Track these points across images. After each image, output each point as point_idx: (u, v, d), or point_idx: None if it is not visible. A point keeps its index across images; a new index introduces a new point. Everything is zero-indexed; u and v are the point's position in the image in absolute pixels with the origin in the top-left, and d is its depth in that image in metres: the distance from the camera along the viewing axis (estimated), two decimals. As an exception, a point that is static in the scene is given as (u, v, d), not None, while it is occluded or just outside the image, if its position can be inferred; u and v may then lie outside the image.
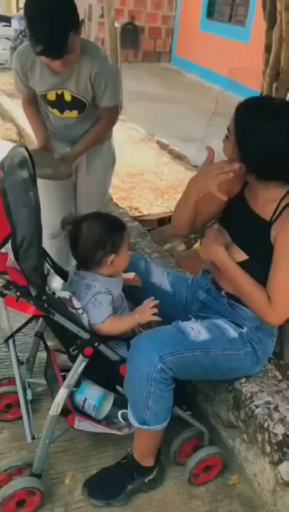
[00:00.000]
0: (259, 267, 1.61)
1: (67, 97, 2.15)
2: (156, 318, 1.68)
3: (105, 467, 1.77)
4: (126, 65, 8.35)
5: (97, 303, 1.62)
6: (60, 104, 2.18)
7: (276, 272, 1.57)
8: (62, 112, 2.21)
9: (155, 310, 1.68)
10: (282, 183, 1.59)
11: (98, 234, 1.61)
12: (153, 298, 1.70)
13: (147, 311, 1.68)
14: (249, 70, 5.25)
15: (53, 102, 2.18)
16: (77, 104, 2.17)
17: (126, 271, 1.80)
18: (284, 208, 1.59)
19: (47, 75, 2.10)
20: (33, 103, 2.30)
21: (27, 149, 1.44)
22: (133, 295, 1.79)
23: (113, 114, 2.27)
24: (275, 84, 2.58)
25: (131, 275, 1.84)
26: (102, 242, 1.61)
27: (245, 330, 1.70)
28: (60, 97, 2.15)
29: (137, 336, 1.63)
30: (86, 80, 2.10)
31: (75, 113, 2.20)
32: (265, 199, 1.64)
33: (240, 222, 1.70)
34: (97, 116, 2.25)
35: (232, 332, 1.68)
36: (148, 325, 1.88)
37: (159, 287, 1.90)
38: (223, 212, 1.83)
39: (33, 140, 4.90)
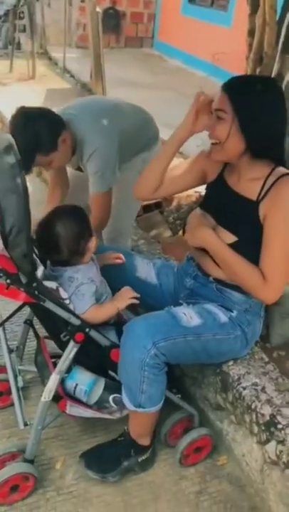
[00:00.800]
0: (249, 248, 1.61)
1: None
2: (134, 300, 1.70)
3: (102, 443, 1.80)
4: (108, 51, 8.26)
5: (80, 294, 1.63)
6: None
7: (268, 249, 1.58)
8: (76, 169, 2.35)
9: (133, 294, 1.70)
10: (269, 161, 1.61)
11: (76, 228, 1.62)
12: (127, 288, 1.72)
13: (125, 295, 1.70)
14: (232, 55, 5.23)
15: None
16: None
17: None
18: (271, 185, 1.58)
19: None
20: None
21: (12, 136, 1.42)
22: (117, 290, 1.78)
23: (100, 199, 2.20)
24: (258, 69, 2.58)
25: (110, 254, 1.86)
26: (81, 232, 1.63)
27: (234, 313, 1.72)
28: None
29: (129, 322, 1.64)
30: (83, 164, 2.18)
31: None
32: (249, 178, 1.63)
33: (225, 205, 1.69)
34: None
35: (222, 316, 1.70)
36: (135, 311, 1.90)
37: (145, 281, 1.90)
38: (204, 197, 1.83)
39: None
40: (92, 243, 1.67)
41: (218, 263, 1.69)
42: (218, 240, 1.64)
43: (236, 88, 1.55)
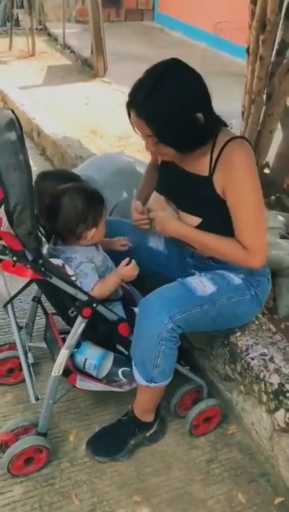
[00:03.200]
0: (216, 224, 1.60)
1: None
2: (135, 272, 1.68)
3: (106, 425, 1.83)
4: (108, 25, 8.13)
5: (83, 273, 1.63)
6: None
7: (240, 218, 1.56)
8: None
9: (134, 264, 1.68)
10: (212, 137, 1.57)
11: (81, 207, 1.60)
12: (128, 258, 1.69)
13: (127, 268, 1.67)
14: (234, 24, 5.12)
15: None
16: None
17: (112, 237, 1.81)
18: (218, 155, 1.55)
19: None
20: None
21: (13, 112, 1.41)
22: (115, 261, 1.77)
23: None
24: (261, 37, 2.52)
25: (119, 240, 1.85)
26: (84, 216, 1.61)
27: (243, 276, 1.71)
28: None
29: (144, 298, 1.64)
30: None
31: None
32: (194, 155, 1.59)
33: (180, 187, 1.67)
34: None
35: (236, 279, 1.70)
36: (141, 287, 1.90)
37: (156, 250, 1.91)
38: (158, 180, 1.81)
39: (18, 106, 4.83)
40: (93, 234, 1.63)
41: (197, 248, 1.68)
42: (188, 229, 1.63)
43: (134, 107, 1.50)
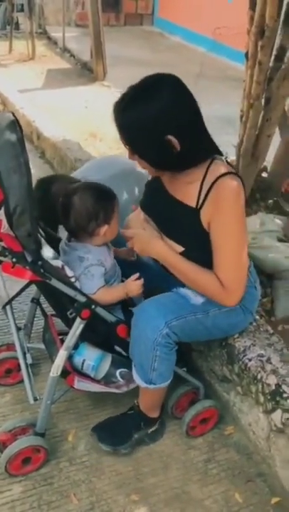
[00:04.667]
0: (197, 256, 1.58)
1: None
2: (141, 290, 1.69)
3: (113, 416, 1.85)
4: (108, 29, 8.15)
5: (90, 275, 1.65)
6: None
7: (220, 256, 1.54)
8: None
9: (141, 282, 1.69)
10: (196, 164, 1.53)
11: (91, 205, 1.61)
12: (138, 274, 1.70)
13: (135, 284, 1.69)
14: (233, 29, 5.16)
15: None
16: None
17: (119, 246, 1.82)
18: (209, 189, 1.51)
19: None
20: None
21: (13, 114, 1.43)
22: (122, 271, 1.79)
23: None
24: (260, 43, 2.55)
25: (124, 251, 1.85)
26: (95, 213, 1.62)
27: None
28: None
29: (140, 303, 1.66)
30: None
31: None
32: (185, 181, 1.57)
33: (165, 212, 1.64)
34: None
35: None
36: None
37: (147, 264, 1.86)
38: (143, 195, 1.78)
39: (18, 109, 4.85)
40: (105, 230, 1.64)
41: (173, 273, 1.65)
42: (170, 254, 1.60)
43: (113, 111, 1.48)
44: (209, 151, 1.56)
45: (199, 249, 1.57)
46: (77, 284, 1.63)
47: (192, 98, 1.48)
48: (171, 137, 1.43)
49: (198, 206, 1.54)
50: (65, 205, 1.63)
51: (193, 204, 1.55)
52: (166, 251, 1.60)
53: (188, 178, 1.56)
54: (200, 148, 1.52)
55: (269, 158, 2.96)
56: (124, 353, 1.75)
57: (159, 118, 1.42)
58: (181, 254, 1.60)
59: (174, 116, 1.43)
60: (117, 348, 1.76)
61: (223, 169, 1.52)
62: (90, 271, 1.65)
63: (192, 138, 1.48)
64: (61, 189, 1.69)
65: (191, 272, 1.59)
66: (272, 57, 2.68)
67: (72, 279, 1.63)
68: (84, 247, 1.67)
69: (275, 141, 2.89)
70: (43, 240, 1.71)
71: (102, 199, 1.65)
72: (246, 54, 2.73)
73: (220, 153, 1.58)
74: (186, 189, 1.57)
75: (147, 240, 1.63)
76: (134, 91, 1.46)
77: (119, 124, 1.48)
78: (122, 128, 1.49)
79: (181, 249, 1.60)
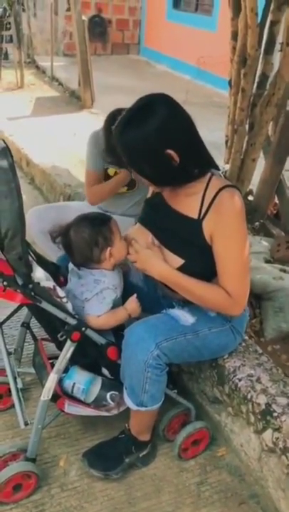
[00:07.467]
0: (197, 268, 1.60)
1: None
2: (140, 309, 1.73)
3: (103, 441, 1.83)
4: (95, 58, 8.33)
5: (102, 297, 1.68)
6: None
7: (226, 265, 1.56)
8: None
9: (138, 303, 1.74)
10: (198, 172, 1.56)
11: (87, 234, 1.66)
12: (136, 295, 1.74)
13: (135, 302, 1.74)
14: (217, 58, 5.31)
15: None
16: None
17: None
18: (211, 201, 1.55)
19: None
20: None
21: (4, 141, 1.47)
22: None
23: None
24: (242, 71, 2.64)
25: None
26: (94, 241, 1.66)
27: (215, 313, 1.71)
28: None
29: (130, 325, 1.67)
30: None
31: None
32: (186, 193, 1.60)
33: (166, 225, 1.66)
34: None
35: (211, 312, 1.72)
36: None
37: (137, 285, 1.88)
38: (142, 211, 1.81)
39: (7, 136, 4.90)
40: (111, 252, 1.67)
41: (176, 291, 1.65)
42: (173, 273, 1.60)
43: (114, 132, 1.52)
44: (208, 163, 1.61)
45: (199, 261, 1.60)
46: (69, 304, 1.64)
47: (186, 113, 1.53)
48: (170, 151, 1.48)
49: (201, 217, 1.57)
50: (65, 244, 1.69)
51: (195, 215, 1.58)
52: (168, 270, 1.61)
53: (189, 191, 1.59)
54: (199, 159, 1.57)
55: (254, 182, 3.02)
56: (110, 376, 1.75)
57: (157, 134, 1.46)
58: (181, 266, 1.61)
59: (170, 131, 1.47)
60: (104, 371, 1.76)
61: (224, 182, 1.58)
62: (104, 294, 1.69)
63: (190, 150, 1.53)
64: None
65: (197, 288, 1.60)
66: (255, 84, 2.78)
67: (64, 300, 1.64)
68: (100, 272, 1.71)
69: (260, 164, 2.96)
70: (34, 263, 1.73)
71: (97, 225, 1.69)
72: (230, 82, 2.82)
73: (217, 168, 1.64)
74: (188, 201, 1.60)
75: (149, 259, 1.63)
76: (129, 113, 1.51)
77: (121, 147, 1.53)
78: (124, 150, 1.53)
79: (181, 261, 1.61)
